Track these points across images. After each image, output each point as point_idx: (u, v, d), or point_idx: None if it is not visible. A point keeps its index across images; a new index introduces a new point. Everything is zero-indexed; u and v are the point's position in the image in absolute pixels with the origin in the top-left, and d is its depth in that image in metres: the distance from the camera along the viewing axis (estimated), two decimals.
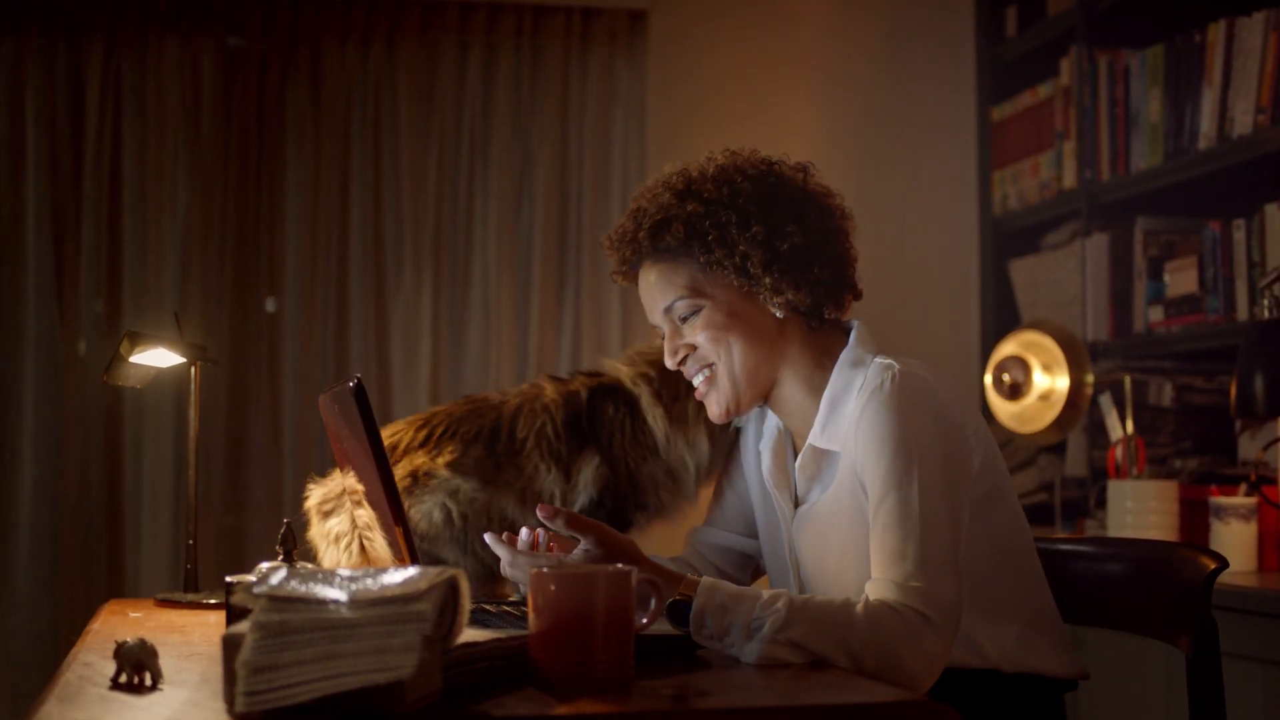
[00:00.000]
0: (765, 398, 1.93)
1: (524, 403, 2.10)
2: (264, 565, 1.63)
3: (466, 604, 1.35)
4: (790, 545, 1.94)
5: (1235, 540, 2.87)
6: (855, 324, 1.93)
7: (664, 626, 1.70)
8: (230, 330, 4.00)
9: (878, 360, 1.84)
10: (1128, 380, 3.27)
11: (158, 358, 2.30)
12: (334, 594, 1.29)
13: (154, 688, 1.43)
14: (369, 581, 1.32)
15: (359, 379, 1.63)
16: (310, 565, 1.58)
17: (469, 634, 1.49)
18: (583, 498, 2.05)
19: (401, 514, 1.66)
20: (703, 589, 1.63)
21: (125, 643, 1.45)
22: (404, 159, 4.08)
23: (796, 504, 1.93)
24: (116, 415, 3.92)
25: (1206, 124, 3.29)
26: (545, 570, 1.45)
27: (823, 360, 1.90)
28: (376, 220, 4.08)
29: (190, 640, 1.80)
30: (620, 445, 2.06)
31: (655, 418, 2.09)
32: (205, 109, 4.00)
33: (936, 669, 1.67)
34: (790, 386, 1.91)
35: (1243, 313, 3.19)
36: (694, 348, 1.90)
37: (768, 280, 1.85)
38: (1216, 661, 1.87)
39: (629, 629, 1.45)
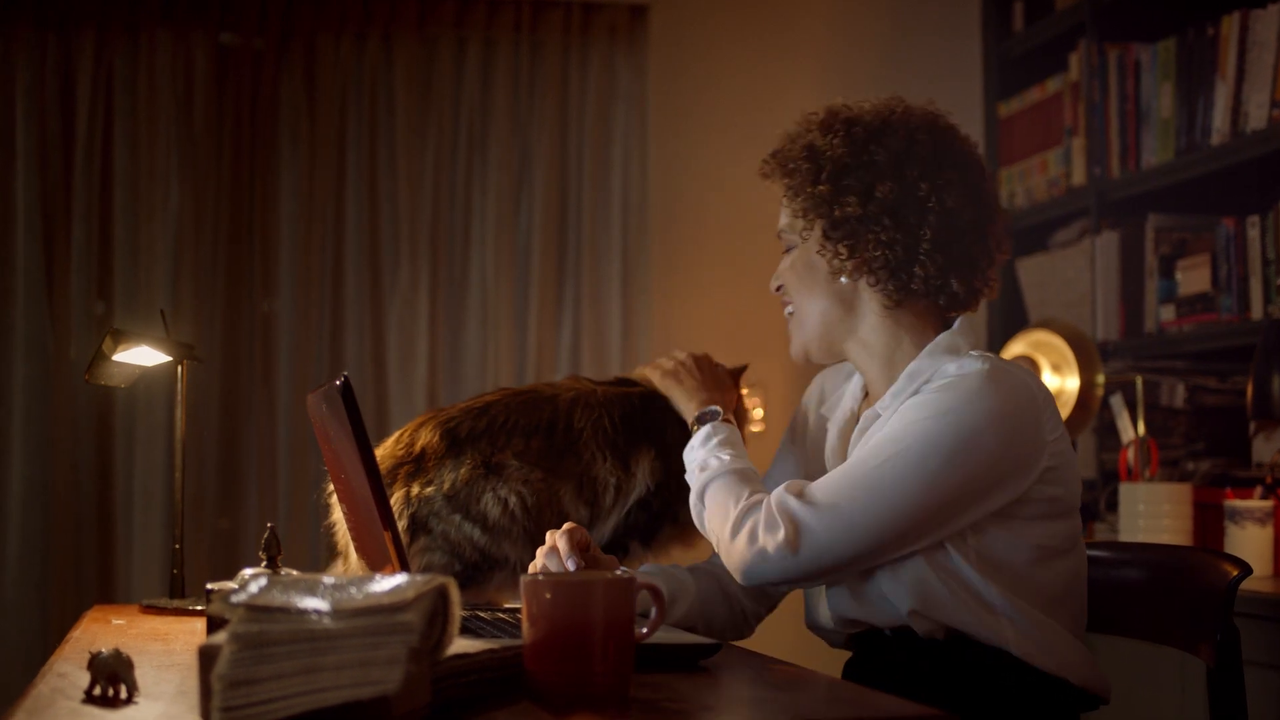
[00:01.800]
0: (841, 356, 1.94)
1: (578, 396, 2.06)
2: (247, 572, 1.57)
3: (457, 613, 1.28)
4: None
5: (1251, 544, 2.82)
6: (962, 317, 1.91)
7: (665, 636, 1.64)
8: (223, 330, 3.95)
9: (974, 353, 1.82)
10: (1139, 381, 3.22)
11: (142, 356, 2.23)
12: (316, 604, 1.23)
13: (129, 700, 1.37)
14: (353, 590, 1.26)
15: (346, 377, 1.56)
16: (294, 572, 1.51)
17: (460, 644, 1.43)
18: (640, 488, 2.02)
19: (391, 520, 1.59)
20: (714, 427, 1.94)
21: (100, 653, 1.40)
22: (401, 156, 4.03)
23: None
24: (107, 416, 3.88)
25: (1220, 119, 3.24)
26: (540, 577, 1.38)
27: (902, 336, 1.88)
28: (372, 218, 4.03)
29: (172, 649, 1.76)
30: (676, 445, 2.03)
31: None
32: (198, 105, 3.96)
33: (758, 569, 1.74)
34: (863, 353, 1.91)
35: (1257, 312, 3.14)
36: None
37: (828, 241, 1.86)
38: (1239, 671, 1.82)
39: (628, 639, 1.39)
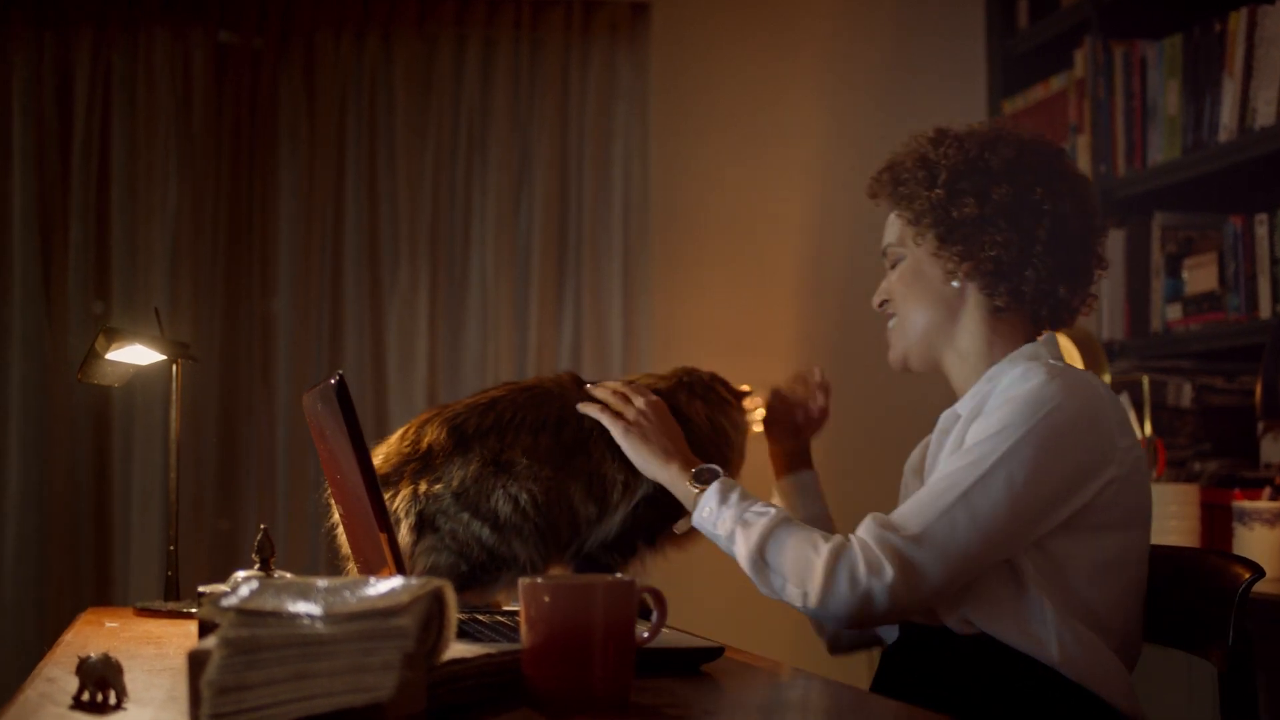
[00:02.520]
0: (938, 364, 1.95)
1: (584, 396, 2.02)
2: (240, 574, 1.54)
3: (454, 617, 1.25)
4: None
5: (1260, 546, 2.79)
6: (1050, 334, 1.95)
7: (667, 640, 1.61)
8: (222, 330, 3.93)
9: (1053, 362, 1.84)
10: (1146, 380, 3.20)
11: (135, 355, 2.20)
12: (308, 608, 1.20)
13: (118, 706, 1.35)
14: (347, 594, 1.23)
15: (340, 375, 1.53)
16: (288, 575, 1.48)
17: (457, 648, 1.40)
18: (646, 486, 1.99)
19: (387, 520, 1.56)
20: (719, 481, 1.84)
21: (89, 658, 1.37)
22: (400, 155, 4.01)
23: None
24: (105, 416, 3.86)
25: (1227, 116, 3.22)
26: (539, 581, 1.35)
27: (999, 347, 1.90)
28: (372, 217, 4.00)
29: (165, 653, 1.74)
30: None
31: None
32: (196, 103, 3.93)
33: (866, 613, 1.67)
34: (958, 362, 1.92)
35: (1265, 311, 3.12)
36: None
37: (941, 247, 1.88)
38: (1252, 676, 1.78)
39: (629, 644, 1.36)
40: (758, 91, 4.17)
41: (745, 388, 2.17)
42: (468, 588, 1.87)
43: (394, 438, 1.97)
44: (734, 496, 1.82)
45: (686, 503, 1.88)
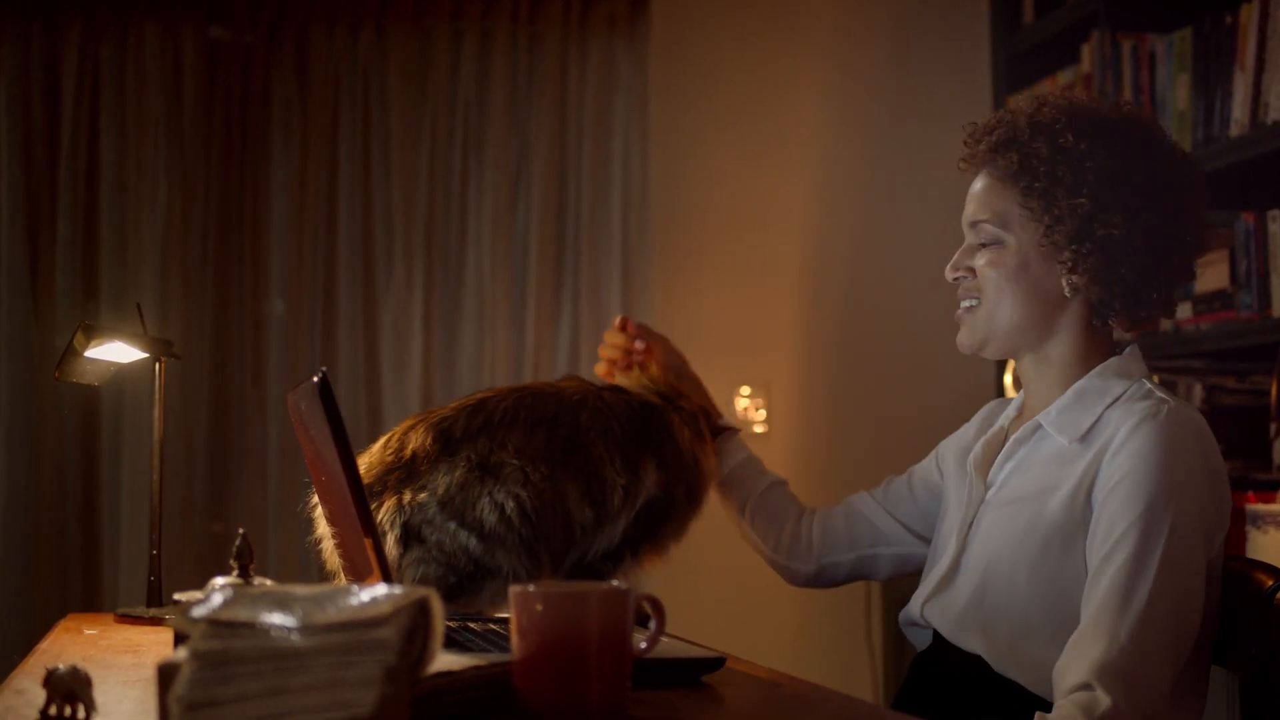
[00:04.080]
0: (1012, 356, 1.89)
1: (584, 396, 1.95)
2: (218, 581, 1.47)
3: (440, 627, 1.18)
4: (966, 527, 1.87)
5: (1275, 550, 2.73)
6: (1133, 345, 1.89)
7: (665, 650, 1.55)
8: (213, 329, 3.89)
9: (1148, 384, 1.80)
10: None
11: (116, 352, 2.13)
12: (284, 619, 1.13)
13: None
14: (326, 604, 1.16)
15: (324, 373, 1.46)
16: (268, 582, 1.41)
17: (445, 659, 1.33)
18: (645, 494, 1.92)
19: (372, 525, 1.49)
20: None
21: (56, 669, 1.31)
22: (395, 151, 3.96)
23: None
24: (93, 416, 3.81)
25: (1239, 110, 3.17)
26: (530, 589, 1.29)
27: (1086, 357, 1.84)
28: (366, 215, 3.95)
29: (143, 662, 1.69)
30: (674, 458, 1.95)
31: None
32: (187, 97, 3.89)
33: None
34: (1039, 365, 1.87)
35: (1278, 309, 3.09)
36: (974, 273, 1.87)
37: (1068, 254, 1.79)
38: (1278, 685, 1.71)
39: (625, 654, 1.30)
40: (759, 87, 4.12)
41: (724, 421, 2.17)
42: (455, 600, 1.80)
43: (377, 446, 1.89)
44: None
45: None
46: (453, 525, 1.81)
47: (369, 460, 1.86)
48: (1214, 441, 1.76)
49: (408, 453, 1.85)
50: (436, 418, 1.89)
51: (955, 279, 1.90)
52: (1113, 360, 1.82)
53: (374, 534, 1.48)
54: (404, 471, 1.83)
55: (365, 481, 1.81)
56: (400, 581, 1.79)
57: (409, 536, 1.81)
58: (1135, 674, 1.60)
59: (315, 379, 1.46)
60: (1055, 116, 1.81)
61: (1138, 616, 1.62)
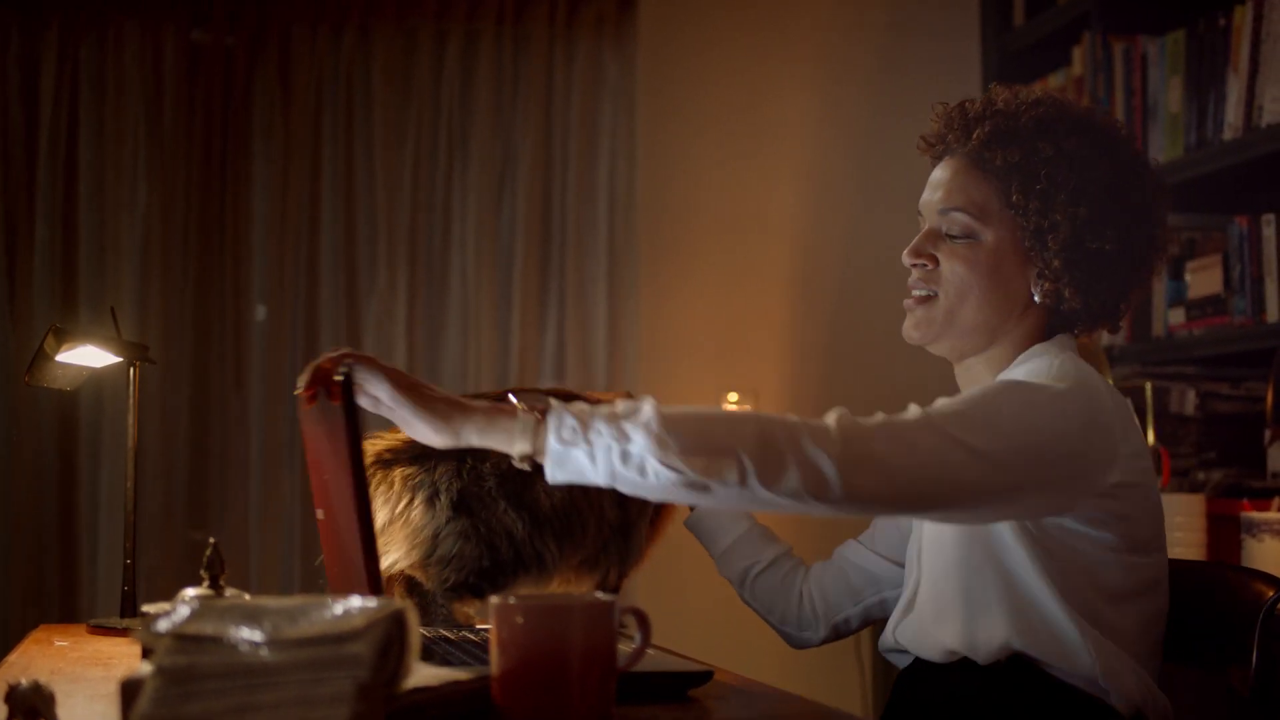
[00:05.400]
0: (959, 357, 1.81)
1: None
2: (188, 592, 1.42)
3: (415, 642, 1.13)
4: (919, 543, 1.81)
5: (1271, 558, 2.70)
6: (1063, 336, 1.79)
7: (651, 664, 1.50)
8: (194, 334, 3.83)
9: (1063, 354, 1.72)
10: (1148, 387, 3.14)
11: (88, 356, 2.08)
12: (252, 633, 1.08)
13: None
14: (297, 617, 1.11)
15: (348, 373, 1.42)
16: (240, 593, 1.36)
17: (422, 673, 1.28)
18: (652, 506, 1.90)
19: (371, 541, 1.44)
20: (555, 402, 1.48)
21: (19, 685, 1.26)
22: (378, 153, 3.91)
23: None
24: (71, 423, 3.75)
25: (1232, 113, 3.15)
26: (511, 600, 1.24)
27: (1023, 349, 1.77)
28: (349, 218, 3.91)
29: (113, 675, 1.63)
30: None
31: None
32: (167, 99, 3.83)
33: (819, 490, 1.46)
34: (984, 363, 1.79)
35: (1272, 314, 3.05)
36: (936, 263, 1.76)
37: (1055, 263, 1.72)
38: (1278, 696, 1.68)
39: (610, 669, 1.26)
40: (748, 88, 4.08)
41: None
42: (481, 584, 1.77)
43: None
44: (582, 407, 1.49)
45: (511, 441, 1.48)
46: (504, 504, 1.79)
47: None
48: (1109, 397, 1.66)
49: None
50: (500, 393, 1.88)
51: (914, 265, 1.78)
52: (1038, 346, 1.75)
53: (372, 552, 1.43)
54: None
55: (419, 450, 1.77)
56: (434, 549, 1.76)
57: (459, 505, 1.78)
58: (873, 433, 1.50)
59: (339, 377, 1.43)
60: (1058, 117, 1.74)
61: (925, 412, 1.55)
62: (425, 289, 3.92)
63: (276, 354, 3.84)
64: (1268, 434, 3.07)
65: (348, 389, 1.46)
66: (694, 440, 1.44)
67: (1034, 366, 1.69)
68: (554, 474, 1.46)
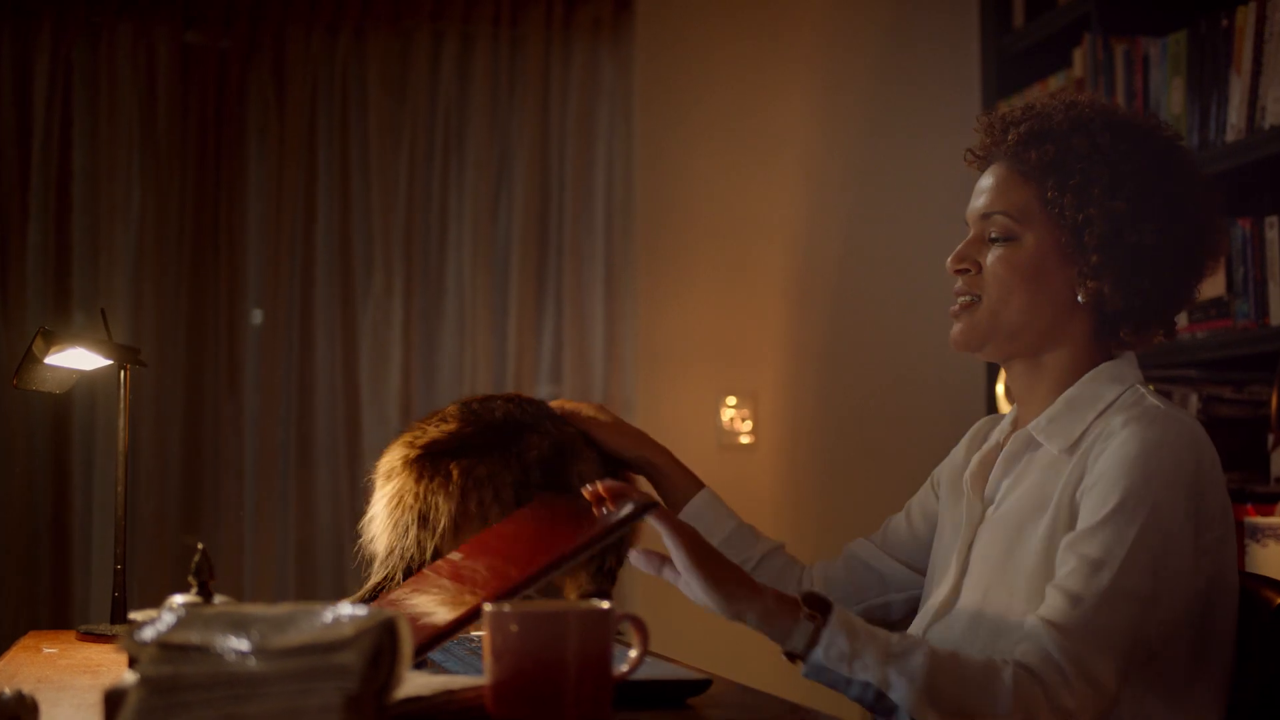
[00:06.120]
0: (1007, 360, 1.82)
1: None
2: (177, 598, 1.39)
3: (408, 650, 1.11)
4: (966, 548, 1.80)
5: (1276, 564, 2.67)
6: (1129, 351, 1.80)
7: (648, 672, 1.48)
8: (188, 337, 3.80)
9: (1142, 389, 1.73)
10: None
11: (78, 359, 2.05)
12: (239, 642, 1.05)
13: None
14: (286, 626, 1.08)
15: (642, 515, 1.55)
16: (229, 600, 1.34)
17: (415, 682, 1.26)
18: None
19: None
20: (836, 610, 1.57)
21: (1, 694, 1.23)
22: (374, 155, 3.88)
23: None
24: (65, 425, 3.72)
25: (1235, 115, 3.12)
26: (505, 608, 1.21)
27: (1082, 364, 1.76)
28: (344, 220, 3.88)
29: (100, 683, 1.60)
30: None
31: None
32: (161, 100, 3.80)
33: None
34: (1033, 372, 1.79)
35: (1276, 317, 3.02)
36: (979, 268, 1.77)
37: (1094, 259, 1.71)
38: None
39: (606, 677, 1.24)
40: (746, 91, 4.05)
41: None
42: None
43: (452, 409, 1.87)
44: (858, 625, 1.57)
45: (784, 637, 1.58)
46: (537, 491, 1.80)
47: (449, 428, 1.82)
48: (1212, 450, 1.68)
49: (498, 415, 1.84)
50: (485, 396, 1.90)
51: (958, 271, 1.79)
52: (1105, 365, 1.75)
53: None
54: (494, 434, 1.82)
55: (451, 445, 1.79)
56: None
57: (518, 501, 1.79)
58: (1087, 638, 1.54)
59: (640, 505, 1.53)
60: (1092, 115, 1.74)
61: (1101, 590, 1.56)
62: (421, 292, 3.90)
63: (271, 357, 3.81)
64: (1271, 438, 3.05)
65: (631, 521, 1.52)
66: (951, 705, 1.53)
67: (1132, 431, 1.64)
68: (808, 675, 1.57)
